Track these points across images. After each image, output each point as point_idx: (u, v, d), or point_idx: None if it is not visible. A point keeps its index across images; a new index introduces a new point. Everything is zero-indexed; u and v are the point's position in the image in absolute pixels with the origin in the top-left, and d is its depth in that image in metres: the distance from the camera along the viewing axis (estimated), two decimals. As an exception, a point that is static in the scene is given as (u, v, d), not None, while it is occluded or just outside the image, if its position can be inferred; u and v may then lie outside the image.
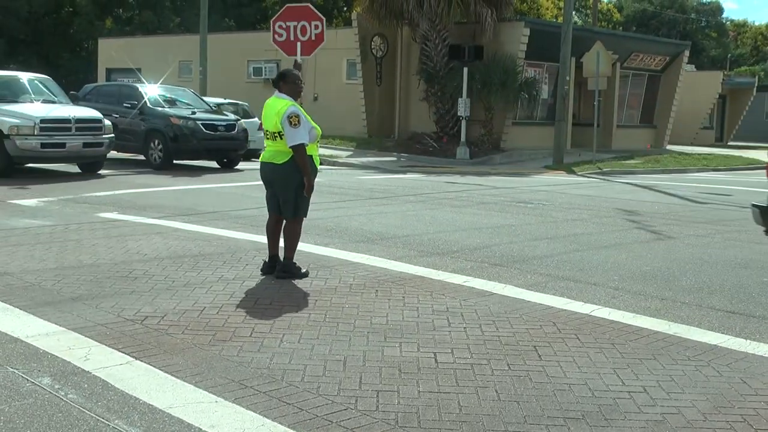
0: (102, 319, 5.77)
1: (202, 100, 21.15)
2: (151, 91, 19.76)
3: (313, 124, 7.21)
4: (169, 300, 6.36)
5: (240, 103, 24.12)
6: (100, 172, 16.61)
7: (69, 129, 15.53)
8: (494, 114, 26.00)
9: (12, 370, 4.70)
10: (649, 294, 7.12)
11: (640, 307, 6.64)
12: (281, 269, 7.29)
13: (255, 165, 8.48)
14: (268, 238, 7.51)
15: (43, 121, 15.14)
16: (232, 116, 19.58)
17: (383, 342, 5.44)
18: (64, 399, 4.29)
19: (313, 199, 7.47)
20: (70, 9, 49.60)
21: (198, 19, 28.49)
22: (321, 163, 7.89)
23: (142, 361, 4.90)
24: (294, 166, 7.08)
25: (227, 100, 23.67)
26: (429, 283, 7.21)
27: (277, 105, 7.11)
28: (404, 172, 20.74)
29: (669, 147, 32.64)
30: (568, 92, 25.11)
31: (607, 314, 6.34)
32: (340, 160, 22.87)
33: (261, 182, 7.57)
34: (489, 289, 7.05)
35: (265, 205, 7.58)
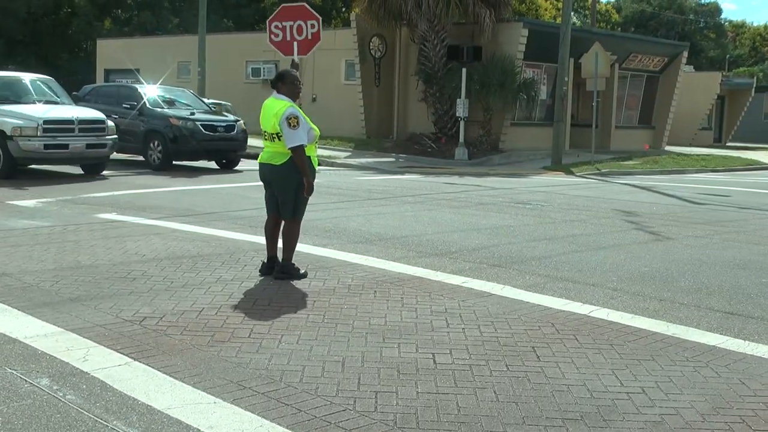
0: (100, 319, 5.77)
1: (201, 100, 21.16)
2: (150, 91, 19.75)
3: (312, 125, 7.21)
4: (167, 301, 6.36)
5: (223, 103, 24.11)
6: (102, 173, 16.58)
7: (72, 130, 15.48)
8: (493, 115, 26.00)
9: (10, 371, 4.69)
10: (647, 295, 7.12)
11: (639, 307, 6.65)
12: (280, 270, 7.29)
13: (254, 166, 8.48)
14: (266, 238, 7.51)
15: (46, 122, 15.08)
16: (231, 117, 19.58)
17: (382, 343, 5.44)
18: (63, 400, 4.29)
19: (311, 200, 7.47)
20: (69, 10, 49.57)
21: (196, 20, 28.50)
22: (319, 164, 7.89)
23: (140, 361, 4.91)
24: (293, 167, 7.07)
25: (210, 100, 23.69)
26: (427, 284, 7.21)
27: (276, 106, 7.10)
28: (403, 173, 20.74)
29: (667, 148, 32.65)
30: (567, 93, 25.11)
31: (605, 315, 6.35)
32: (338, 161, 22.86)
33: (259, 183, 7.58)
34: (487, 290, 7.05)
35: (264, 205, 7.59)
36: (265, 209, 7.55)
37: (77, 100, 18.10)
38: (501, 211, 12.78)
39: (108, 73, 37.06)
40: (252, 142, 19.82)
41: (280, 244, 7.42)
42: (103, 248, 8.46)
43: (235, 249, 8.57)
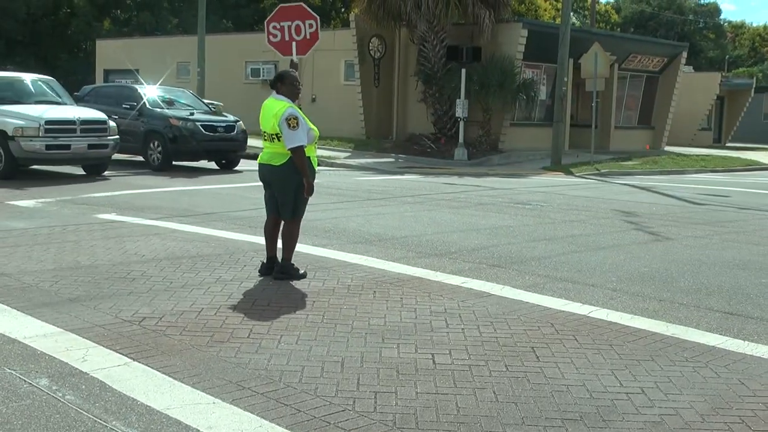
0: (100, 320, 5.77)
1: (201, 101, 21.15)
2: (150, 92, 19.75)
3: (311, 125, 7.21)
4: (167, 301, 6.35)
5: (215, 103, 24.10)
6: (103, 173, 16.56)
7: (74, 130, 15.45)
8: (492, 115, 26.00)
9: (10, 371, 4.69)
10: (647, 295, 7.12)
11: (638, 308, 6.65)
12: (279, 270, 7.28)
13: (253, 166, 8.48)
14: (266, 239, 7.51)
15: (48, 122, 15.05)
16: (231, 117, 19.58)
17: (381, 343, 5.44)
18: (62, 400, 4.29)
19: (311, 200, 7.47)
20: (68, 10, 49.56)
21: (196, 20, 28.48)
22: (319, 165, 7.89)
23: (139, 362, 4.90)
24: (292, 168, 7.07)
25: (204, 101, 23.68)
26: (427, 284, 7.21)
27: (275, 107, 7.10)
28: (402, 173, 20.74)
29: (667, 148, 32.65)
30: (566, 93, 25.10)
31: (605, 315, 6.35)
32: (338, 162, 22.86)
33: (259, 183, 7.58)
34: (487, 290, 7.05)
35: (263, 206, 7.59)
36: (265, 210, 7.55)
37: (77, 101, 18.09)
38: (500, 211, 12.78)
39: (107, 73, 37.06)
40: (252, 142, 19.82)
41: (279, 244, 7.42)
42: (102, 248, 8.45)
43: (234, 249, 8.57)
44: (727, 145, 42.39)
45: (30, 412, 4.12)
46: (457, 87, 24.25)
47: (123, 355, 5.02)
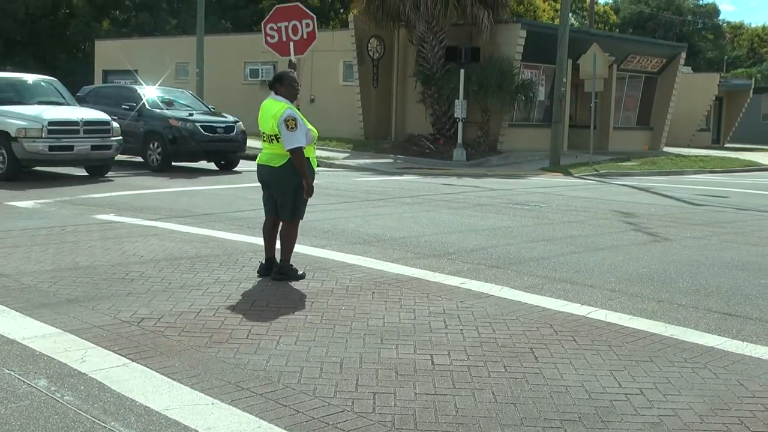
0: (98, 321, 5.76)
1: (200, 101, 21.14)
2: (149, 92, 19.74)
3: (310, 126, 7.21)
4: (165, 302, 6.35)
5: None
6: (106, 174, 16.53)
7: (77, 131, 15.39)
8: (491, 116, 26.00)
9: (8, 372, 4.69)
10: (645, 296, 7.13)
11: (637, 309, 6.65)
12: (278, 271, 7.28)
13: (253, 167, 8.49)
14: (264, 240, 7.50)
15: (51, 123, 14.99)
16: (230, 118, 19.57)
17: (380, 344, 5.44)
18: (61, 401, 4.28)
19: (309, 201, 7.47)
20: (67, 11, 49.53)
21: (195, 21, 28.46)
22: (318, 165, 7.89)
23: (138, 363, 4.90)
24: (291, 169, 7.07)
25: None
26: (426, 285, 7.21)
27: (274, 108, 7.10)
28: (401, 174, 20.74)
29: (666, 149, 32.66)
30: (565, 94, 25.10)
31: (603, 316, 6.35)
32: (336, 162, 22.86)
33: (258, 184, 7.58)
34: (486, 291, 7.06)
35: (262, 207, 7.58)
36: (264, 210, 7.55)
37: (78, 101, 18.07)
38: (499, 212, 12.78)
39: (106, 74, 37.05)
40: (251, 143, 19.82)
41: (278, 245, 7.42)
42: (101, 249, 8.45)
43: (233, 250, 8.57)
44: (725, 145, 42.40)
45: (29, 413, 4.12)
46: (455, 88, 24.26)
47: (122, 355, 5.02)
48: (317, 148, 7.85)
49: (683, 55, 33.09)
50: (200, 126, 18.25)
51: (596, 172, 22.42)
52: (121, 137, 16.33)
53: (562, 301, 6.83)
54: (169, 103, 19.47)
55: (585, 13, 69.04)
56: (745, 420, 4.33)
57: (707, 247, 9.87)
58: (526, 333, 5.79)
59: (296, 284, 7.11)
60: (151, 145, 18.43)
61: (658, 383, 4.83)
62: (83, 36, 48.18)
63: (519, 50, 26.05)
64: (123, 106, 18.78)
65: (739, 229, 11.66)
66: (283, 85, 7.23)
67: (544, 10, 60.65)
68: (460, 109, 23.94)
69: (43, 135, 14.88)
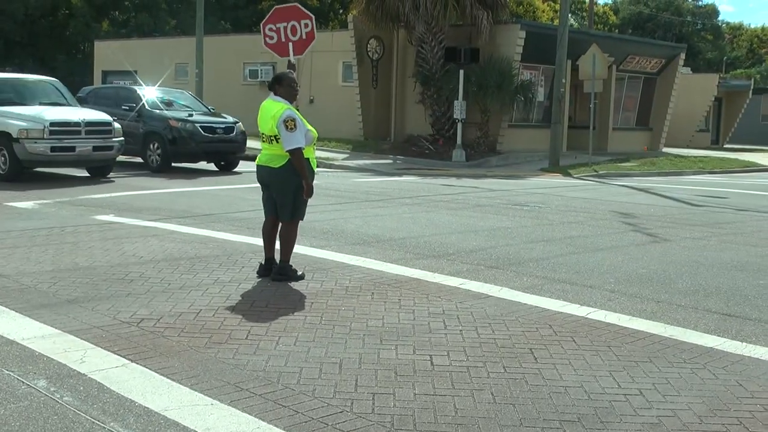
0: (98, 321, 5.76)
1: (200, 102, 21.14)
2: (149, 93, 19.74)
3: (309, 127, 7.21)
4: (165, 302, 6.35)
5: None
6: (107, 175, 16.52)
7: (79, 132, 15.36)
8: (490, 116, 26.00)
9: (7, 372, 4.69)
10: (645, 297, 7.13)
11: (636, 309, 6.66)
12: (277, 272, 7.29)
13: (252, 167, 8.49)
14: (264, 240, 7.51)
15: (52, 124, 14.96)
16: (230, 119, 19.57)
17: (379, 344, 5.44)
18: (60, 402, 4.28)
19: (309, 201, 7.47)
20: (66, 11, 49.52)
21: (194, 22, 28.47)
22: (317, 166, 7.89)
23: (137, 363, 4.90)
24: (291, 170, 7.07)
25: None
26: (425, 286, 7.22)
27: (273, 108, 7.10)
28: (400, 175, 20.74)
29: (665, 149, 32.67)
30: (564, 95, 25.12)
31: (603, 317, 6.35)
32: (336, 163, 22.86)
33: (257, 184, 7.58)
34: (485, 292, 7.06)
35: (262, 207, 7.58)
36: (263, 211, 7.55)
37: (84, 102, 18.09)
38: (498, 212, 12.78)
39: (105, 74, 37.06)
40: (251, 143, 19.82)
41: (277, 245, 7.42)
42: (100, 250, 8.45)
43: (232, 251, 8.57)
44: (725, 146, 42.41)
45: (28, 414, 4.12)
46: (455, 88, 24.26)
47: (121, 356, 5.02)
48: (317, 149, 7.85)
49: (682, 55, 33.11)
50: (200, 127, 18.25)
51: (595, 173, 22.43)
52: (122, 138, 16.30)
53: (562, 301, 6.83)
54: (168, 104, 19.47)
55: (584, 14, 69.05)
56: (744, 420, 4.33)
57: (706, 248, 9.88)
58: (525, 334, 5.80)
59: (295, 285, 7.11)
60: (151, 146, 18.43)
61: (658, 384, 4.83)
62: (83, 36, 48.18)
63: (518, 51, 26.06)
64: (123, 107, 18.79)
65: (739, 230, 11.66)
66: (282, 85, 7.23)
67: (543, 11, 60.68)
68: (459, 110, 23.95)
69: (45, 136, 14.85)
